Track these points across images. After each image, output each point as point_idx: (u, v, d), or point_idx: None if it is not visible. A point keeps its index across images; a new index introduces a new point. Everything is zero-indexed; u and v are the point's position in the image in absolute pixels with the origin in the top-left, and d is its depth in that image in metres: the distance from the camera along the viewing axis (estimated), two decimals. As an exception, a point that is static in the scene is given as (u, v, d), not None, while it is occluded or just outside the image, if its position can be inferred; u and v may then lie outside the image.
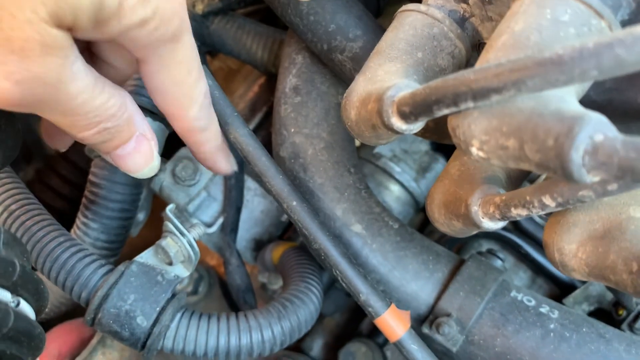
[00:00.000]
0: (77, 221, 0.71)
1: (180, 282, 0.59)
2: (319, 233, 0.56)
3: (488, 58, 0.34)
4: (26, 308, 0.39)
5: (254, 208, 0.83)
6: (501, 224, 0.43)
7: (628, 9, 0.35)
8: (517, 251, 0.79)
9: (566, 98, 0.31)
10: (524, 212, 0.38)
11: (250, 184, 0.83)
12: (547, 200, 0.35)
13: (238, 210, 0.78)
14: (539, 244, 0.78)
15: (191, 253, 0.57)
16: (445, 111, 0.33)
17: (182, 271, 0.59)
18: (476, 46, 0.46)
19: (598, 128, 0.28)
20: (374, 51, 0.45)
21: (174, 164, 0.77)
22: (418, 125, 0.38)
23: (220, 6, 0.79)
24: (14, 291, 0.37)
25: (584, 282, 0.74)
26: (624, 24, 0.35)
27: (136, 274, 0.58)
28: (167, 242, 0.57)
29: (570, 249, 0.38)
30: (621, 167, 0.27)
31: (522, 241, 0.78)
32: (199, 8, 0.80)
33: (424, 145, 0.88)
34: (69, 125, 0.42)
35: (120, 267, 0.58)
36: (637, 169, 0.27)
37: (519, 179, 0.50)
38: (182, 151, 0.78)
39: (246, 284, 0.75)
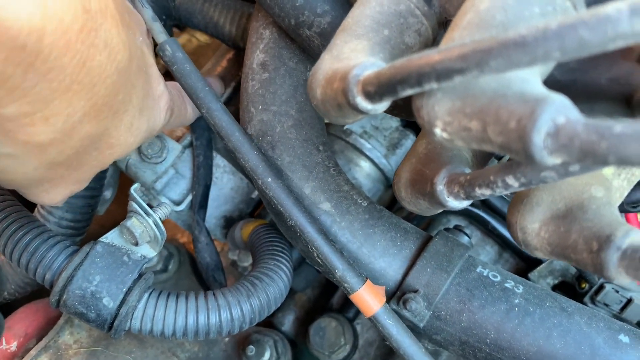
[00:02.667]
0: (41, 201, 0.69)
1: (149, 262, 0.58)
2: (294, 210, 0.55)
3: (453, 37, 0.34)
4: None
5: (224, 185, 0.82)
6: (466, 203, 0.43)
7: (593, -13, 0.35)
8: (485, 227, 0.80)
9: (529, 79, 0.31)
10: (487, 192, 0.38)
11: (219, 161, 0.82)
12: (511, 180, 0.36)
13: (207, 187, 0.77)
14: (505, 220, 0.79)
15: (157, 233, 0.57)
16: (410, 91, 0.33)
17: (148, 251, 0.58)
18: (443, 24, 0.46)
19: (560, 110, 0.28)
20: (340, 28, 0.44)
21: (140, 141, 0.75)
22: (383, 105, 0.38)
23: (186, -22, 0.77)
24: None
25: (549, 257, 0.76)
26: (589, 3, 0.35)
27: (101, 254, 0.57)
28: (132, 222, 0.56)
29: (533, 228, 0.39)
30: (582, 150, 0.27)
31: (489, 217, 0.79)
32: (164, -20, 0.77)
33: (394, 122, 0.88)
34: None
35: (85, 248, 0.57)
36: (597, 151, 0.27)
37: (485, 158, 0.50)
38: (148, 128, 0.77)
39: (215, 262, 0.75)
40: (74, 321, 0.70)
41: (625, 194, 0.40)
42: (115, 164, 0.78)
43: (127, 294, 0.56)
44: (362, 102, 0.37)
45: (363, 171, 0.83)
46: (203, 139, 0.78)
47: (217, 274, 0.75)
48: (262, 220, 0.77)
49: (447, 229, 0.64)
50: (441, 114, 0.32)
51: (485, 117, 0.30)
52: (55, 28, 0.36)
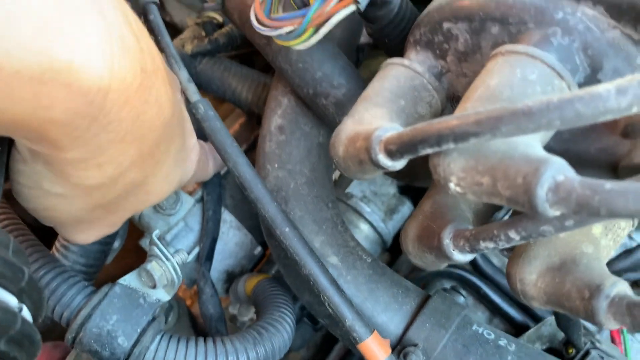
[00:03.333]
0: (57, 243, 0.72)
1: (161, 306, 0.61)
2: (309, 259, 0.59)
3: (466, 107, 0.40)
4: (27, 315, 0.41)
5: (229, 240, 0.86)
6: (469, 257, 0.47)
7: (584, 73, 0.41)
8: (476, 292, 0.84)
9: (532, 144, 0.37)
10: (491, 245, 0.43)
11: (226, 216, 0.86)
12: (513, 234, 0.40)
13: (214, 240, 0.81)
14: (496, 286, 0.83)
15: (175, 277, 0.60)
16: (429, 150, 0.38)
17: (163, 295, 0.61)
18: (451, 98, 0.52)
19: (560, 170, 0.33)
20: (361, 97, 0.51)
21: (155, 194, 0.79)
22: (401, 163, 0.43)
23: (208, 48, 0.84)
24: (19, 297, 0.39)
25: (537, 323, 0.79)
26: (580, 85, 0.41)
27: (119, 295, 0.60)
28: (152, 265, 0.59)
29: (531, 279, 0.43)
30: (578, 203, 0.32)
31: (481, 282, 0.83)
32: (188, 48, 0.84)
33: (392, 188, 0.93)
34: None
35: (104, 289, 0.60)
36: (591, 204, 0.32)
37: (484, 219, 0.55)
38: (164, 181, 0.81)
39: (219, 314, 0.77)
40: (78, 364, 0.71)
41: (612, 252, 0.45)
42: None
43: (141, 334, 0.58)
44: (383, 159, 0.43)
45: (362, 233, 0.88)
46: (214, 194, 0.82)
47: (219, 326, 0.77)
48: (265, 274, 0.80)
49: (444, 289, 0.68)
50: (456, 171, 0.38)
51: (495, 174, 0.35)
52: (118, 86, 0.41)
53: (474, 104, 0.39)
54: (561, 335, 0.79)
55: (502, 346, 0.61)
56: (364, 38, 0.78)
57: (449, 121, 0.36)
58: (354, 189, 0.90)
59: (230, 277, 0.87)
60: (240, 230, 0.86)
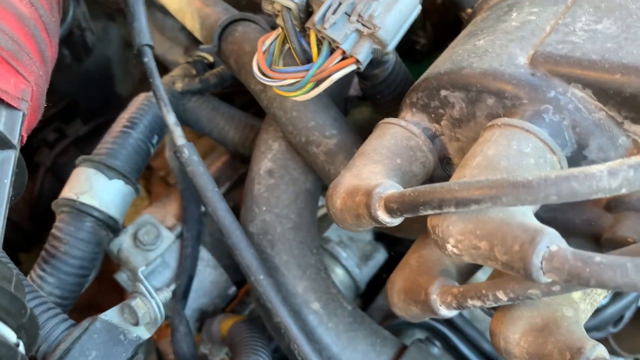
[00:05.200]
0: (33, 274, 0.71)
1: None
2: (281, 308, 0.60)
3: (465, 173, 0.42)
4: (22, 350, 0.40)
5: (204, 278, 0.86)
6: (454, 313, 0.49)
7: (571, 148, 0.45)
8: (446, 342, 0.86)
9: (527, 213, 0.39)
10: (478, 303, 0.45)
11: (204, 254, 0.86)
12: (501, 294, 0.43)
13: (191, 278, 0.81)
14: (465, 338, 0.85)
15: (158, 315, 0.60)
16: (429, 212, 0.40)
17: (143, 333, 0.61)
18: (442, 159, 0.55)
19: (554, 240, 0.36)
20: (358, 152, 0.53)
21: (135, 228, 0.79)
22: (399, 220, 0.45)
23: (198, 87, 0.86)
24: (18, 332, 0.39)
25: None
26: (567, 159, 0.45)
27: (99, 330, 0.59)
28: (136, 302, 0.59)
29: (514, 338, 0.46)
30: (570, 273, 0.35)
31: (451, 333, 0.85)
32: (178, 86, 0.85)
33: (367, 235, 0.95)
34: None
35: (85, 323, 0.60)
36: (582, 275, 0.34)
37: (466, 276, 0.58)
38: (146, 216, 0.81)
39: (192, 353, 0.77)
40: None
41: (589, 315, 0.48)
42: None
43: (119, 372, 0.58)
44: (382, 215, 0.45)
45: (337, 278, 0.89)
46: (193, 231, 0.83)
47: (192, 365, 0.76)
48: (240, 315, 0.80)
49: (419, 340, 0.70)
50: (454, 233, 0.40)
51: (492, 240, 0.38)
52: None
53: (473, 171, 0.42)
54: (526, 389, 0.81)
55: (474, 399, 0.63)
56: (352, 90, 0.81)
57: (451, 187, 0.39)
58: (331, 233, 0.92)
59: (203, 316, 0.86)
60: (216, 269, 0.86)
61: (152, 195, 1.11)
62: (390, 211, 0.44)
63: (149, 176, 1.18)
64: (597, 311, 0.76)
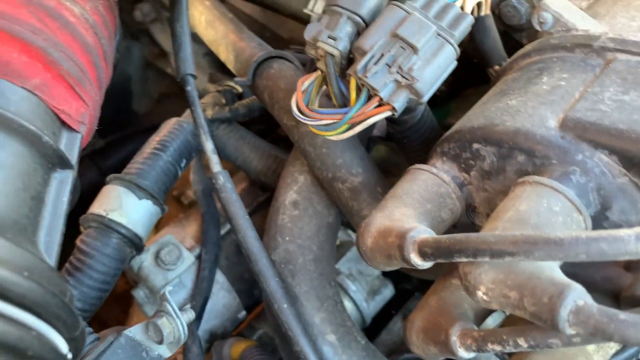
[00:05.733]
0: (56, 285, 0.73)
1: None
2: (301, 337, 0.63)
3: (497, 225, 0.45)
4: (71, 363, 0.42)
5: (218, 301, 0.88)
6: (472, 355, 0.52)
7: (595, 209, 0.48)
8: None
9: (555, 268, 0.42)
10: (498, 348, 0.47)
11: (219, 276, 0.88)
12: (521, 341, 0.45)
13: (206, 300, 0.83)
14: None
15: (182, 336, 0.62)
16: (463, 259, 0.43)
17: (165, 351, 0.63)
18: (467, 207, 0.58)
19: (581, 295, 0.39)
20: (390, 194, 0.56)
21: (158, 247, 0.81)
22: (430, 264, 0.48)
23: (227, 116, 0.89)
24: (69, 344, 0.41)
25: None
26: (591, 218, 0.48)
27: (123, 346, 0.61)
28: (162, 321, 0.61)
29: (530, 385, 0.48)
30: (595, 327, 0.38)
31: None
32: (208, 113, 0.89)
33: (376, 270, 0.98)
34: None
35: (110, 338, 0.62)
36: (606, 330, 0.37)
37: (482, 318, 0.60)
38: (168, 236, 0.84)
39: (202, 374, 0.78)
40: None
41: (601, 368, 0.50)
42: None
43: (140, 388, 0.59)
44: (414, 258, 0.47)
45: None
46: (211, 254, 0.85)
47: (202, 386, 0.78)
48: (251, 341, 0.82)
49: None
50: (486, 282, 0.43)
51: (523, 290, 0.41)
52: None
53: (505, 225, 0.45)
54: None
55: None
56: (376, 130, 0.84)
57: (487, 238, 0.41)
58: (341, 265, 0.94)
59: (213, 338, 0.88)
60: (230, 292, 0.88)
61: (164, 214, 1.13)
62: (424, 255, 0.46)
63: (162, 194, 1.20)
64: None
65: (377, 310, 0.95)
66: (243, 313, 0.91)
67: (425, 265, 0.48)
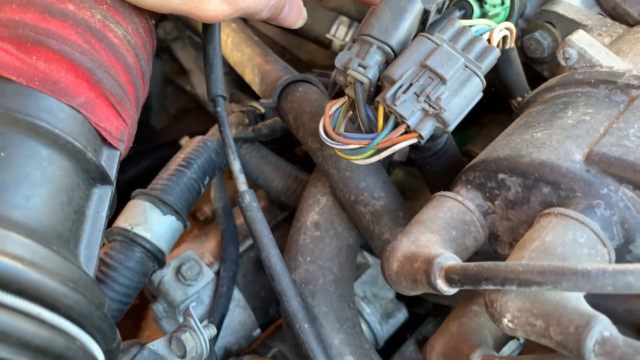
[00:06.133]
0: (80, 296, 0.74)
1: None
2: (322, 358, 0.63)
3: (523, 255, 0.47)
4: (105, 375, 0.44)
5: (234, 318, 0.89)
6: (493, 381, 0.53)
7: (618, 242, 0.49)
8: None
9: (580, 298, 0.43)
10: (519, 376, 0.48)
11: (235, 294, 0.89)
12: (544, 371, 0.46)
13: (223, 316, 0.84)
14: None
15: (204, 351, 0.63)
16: (490, 287, 0.44)
17: (186, 366, 0.64)
18: (490, 235, 0.59)
19: (606, 327, 0.40)
20: (416, 220, 0.57)
21: (179, 262, 0.83)
22: (455, 290, 0.49)
23: (250, 136, 0.91)
24: (106, 355, 0.42)
25: None
26: (615, 251, 0.49)
27: (146, 359, 0.62)
28: (186, 336, 0.62)
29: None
30: (621, 358, 0.39)
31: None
32: (232, 132, 0.91)
33: (390, 293, 0.99)
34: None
35: (133, 350, 0.63)
36: (632, 362, 0.38)
37: (500, 345, 0.61)
38: (189, 252, 0.85)
39: (218, 390, 0.79)
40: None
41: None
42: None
43: (162, 402, 0.60)
44: (441, 284, 0.49)
45: (360, 332, 0.92)
46: (230, 271, 0.86)
47: (217, 402, 0.79)
48: (267, 358, 0.83)
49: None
50: (512, 310, 0.44)
51: (549, 319, 0.42)
52: None
53: (531, 254, 0.46)
54: None
55: None
56: (397, 155, 0.86)
57: (515, 267, 0.43)
58: (357, 287, 0.95)
59: (227, 354, 0.89)
60: (245, 310, 0.89)
61: (186, 230, 1.15)
62: (450, 281, 0.48)
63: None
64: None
65: (390, 333, 0.96)
66: (258, 331, 0.92)
67: (451, 291, 0.49)
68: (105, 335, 0.41)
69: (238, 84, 1.30)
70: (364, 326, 0.93)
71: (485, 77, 0.60)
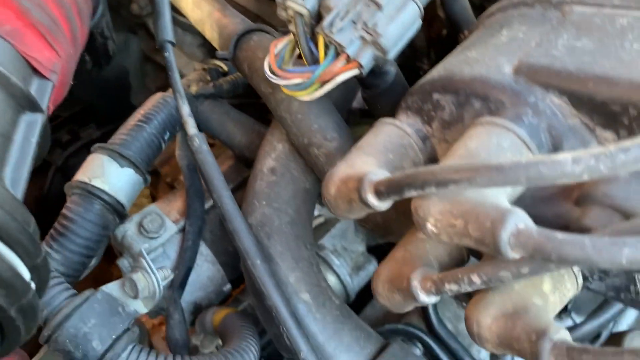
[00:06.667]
0: (40, 250, 0.75)
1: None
2: (274, 292, 0.64)
3: (447, 162, 0.47)
4: (35, 290, 0.44)
5: (202, 273, 0.89)
6: (434, 299, 0.53)
7: (547, 149, 0.49)
8: (429, 352, 0.88)
9: (500, 197, 0.43)
10: (455, 287, 0.48)
11: (203, 249, 0.89)
12: (475, 277, 0.46)
13: (189, 270, 0.84)
14: (448, 349, 0.88)
15: (157, 290, 0.63)
16: (413, 193, 0.45)
17: (141, 307, 0.65)
18: (432, 162, 0.59)
19: (522, 219, 0.40)
20: (355, 146, 0.57)
21: (141, 217, 0.83)
22: (386, 204, 0.49)
23: (212, 92, 0.91)
24: (31, 272, 0.43)
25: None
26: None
27: (100, 301, 0.63)
28: (137, 276, 0.63)
29: (486, 322, 0.49)
30: (535, 248, 0.39)
31: (434, 344, 0.88)
32: (193, 89, 0.91)
33: (361, 246, 0.99)
34: None
35: (86, 292, 0.63)
36: (545, 250, 0.38)
37: (447, 269, 0.61)
38: (152, 207, 0.85)
39: (184, 341, 0.80)
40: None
41: (558, 309, 0.51)
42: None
43: (115, 341, 0.61)
44: (371, 199, 0.49)
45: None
46: (196, 226, 0.86)
47: (183, 352, 0.79)
48: (233, 308, 0.83)
49: (402, 340, 0.73)
50: (434, 213, 0.44)
51: (467, 218, 0.42)
52: None
53: (455, 161, 0.46)
54: (504, 401, 0.83)
55: (450, 397, 0.66)
56: (356, 103, 0.86)
57: (433, 169, 0.43)
58: (326, 241, 0.96)
59: (197, 310, 0.89)
60: (214, 264, 0.90)
61: (147, 184, 1.15)
62: (379, 194, 0.48)
63: (156, 182, 1.22)
64: (573, 328, 0.79)
65: (361, 285, 0.96)
66: (228, 286, 0.92)
67: (382, 205, 0.49)
68: (27, 249, 0.41)
69: (213, 55, 1.31)
70: (333, 278, 0.93)
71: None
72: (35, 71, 0.50)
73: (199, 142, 0.67)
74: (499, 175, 0.40)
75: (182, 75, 1.24)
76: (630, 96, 0.45)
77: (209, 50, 1.34)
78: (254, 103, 1.00)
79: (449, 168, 0.42)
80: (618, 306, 0.81)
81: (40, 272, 0.44)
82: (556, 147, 0.49)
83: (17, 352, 0.76)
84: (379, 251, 1.00)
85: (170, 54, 0.69)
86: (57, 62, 0.52)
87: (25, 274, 0.42)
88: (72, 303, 0.61)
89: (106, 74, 1.55)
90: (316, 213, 0.99)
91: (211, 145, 1.06)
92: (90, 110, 1.50)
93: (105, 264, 0.94)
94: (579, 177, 0.38)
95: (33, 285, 0.43)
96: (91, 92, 1.55)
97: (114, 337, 0.61)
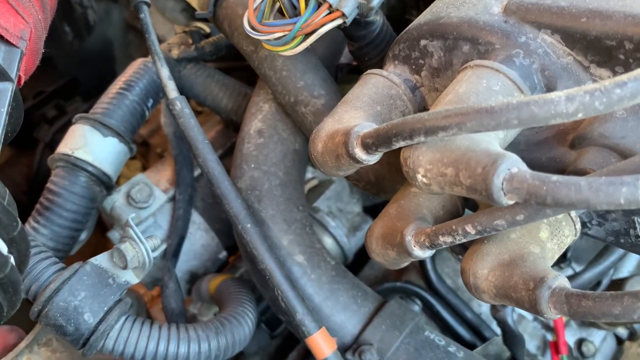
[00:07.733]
0: (27, 225, 0.73)
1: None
2: (266, 255, 0.62)
3: (436, 109, 0.44)
4: (14, 264, 0.42)
5: (196, 241, 0.88)
6: (429, 253, 0.51)
7: (540, 91, 0.47)
8: (429, 309, 0.88)
9: (492, 142, 0.41)
10: (449, 239, 0.47)
11: (195, 217, 0.88)
12: (469, 228, 0.45)
13: (182, 238, 0.83)
14: (448, 305, 0.87)
15: (146, 260, 0.62)
16: (402, 143, 0.43)
17: (132, 277, 0.63)
18: (422, 110, 0.57)
19: (514, 163, 0.38)
20: (342, 100, 0.55)
21: (129, 187, 0.81)
22: (375, 157, 0.47)
23: (194, 54, 0.88)
24: (9, 245, 0.41)
25: (484, 342, 0.84)
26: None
27: (89, 273, 0.61)
28: (125, 246, 0.61)
29: (483, 273, 0.48)
30: (529, 192, 0.37)
31: (434, 300, 0.87)
32: (174, 53, 0.88)
33: (357, 207, 0.98)
34: None
35: (75, 265, 0.62)
36: (539, 193, 0.36)
37: (440, 222, 0.60)
38: (139, 176, 0.84)
39: (180, 309, 0.79)
40: (34, 348, 0.71)
41: (556, 256, 0.50)
42: (98, 207, 0.83)
43: (107, 313, 0.60)
44: (359, 152, 0.47)
45: (326, 246, 0.91)
46: (186, 194, 0.85)
47: (180, 320, 0.78)
48: (229, 274, 0.82)
49: (401, 297, 0.72)
50: (424, 163, 0.42)
51: (458, 165, 0.40)
52: None
53: (444, 107, 0.44)
54: (506, 354, 0.83)
55: (451, 352, 0.65)
56: (344, 58, 0.83)
57: (421, 117, 0.41)
58: (320, 203, 0.94)
59: (194, 278, 0.88)
60: (207, 232, 0.88)
61: (133, 154, 1.13)
62: (366, 147, 0.46)
63: (146, 153, 1.20)
64: (573, 277, 0.78)
65: (358, 246, 0.95)
66: (224, 254, 0.91)
67: (370, 159, 0.47)
68: (3, 223, 0.40)
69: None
70: (329, 240, 0.92)
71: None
72: (2, 39, 0.48)
73: (181, 105, 0.65)
74: (489, 118, 0.38)
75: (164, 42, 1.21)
76: (626, 29, 0.43)
77: (192, 15, 1.30)
78: (242, 67, 0.97)
79: (437, 114, 0.40)
80: (618, 253, 0.80)
81: (18, 246, 0.42)
82: (550, 89, 0.47)
83: (13, 329, 0.75)
84: (376, 211, 0.98)
85: (146, 15, 0.66)
86: (25, 29, 0.49)
87: (2, 247, 0.40)
88: (61, 277, 0.60)
89: (89, 45, 1.52)
90: (310, 176, 0.97)
91: (199, 113, 1.04)
92: (75, 83, 1.47)
93: (102, 239, 0.93)
94: (573, 116, 0.36)
95: (12, 260, 0.42)
96: (75, 65, 1.52)
97: (105, 309, 0.60)
